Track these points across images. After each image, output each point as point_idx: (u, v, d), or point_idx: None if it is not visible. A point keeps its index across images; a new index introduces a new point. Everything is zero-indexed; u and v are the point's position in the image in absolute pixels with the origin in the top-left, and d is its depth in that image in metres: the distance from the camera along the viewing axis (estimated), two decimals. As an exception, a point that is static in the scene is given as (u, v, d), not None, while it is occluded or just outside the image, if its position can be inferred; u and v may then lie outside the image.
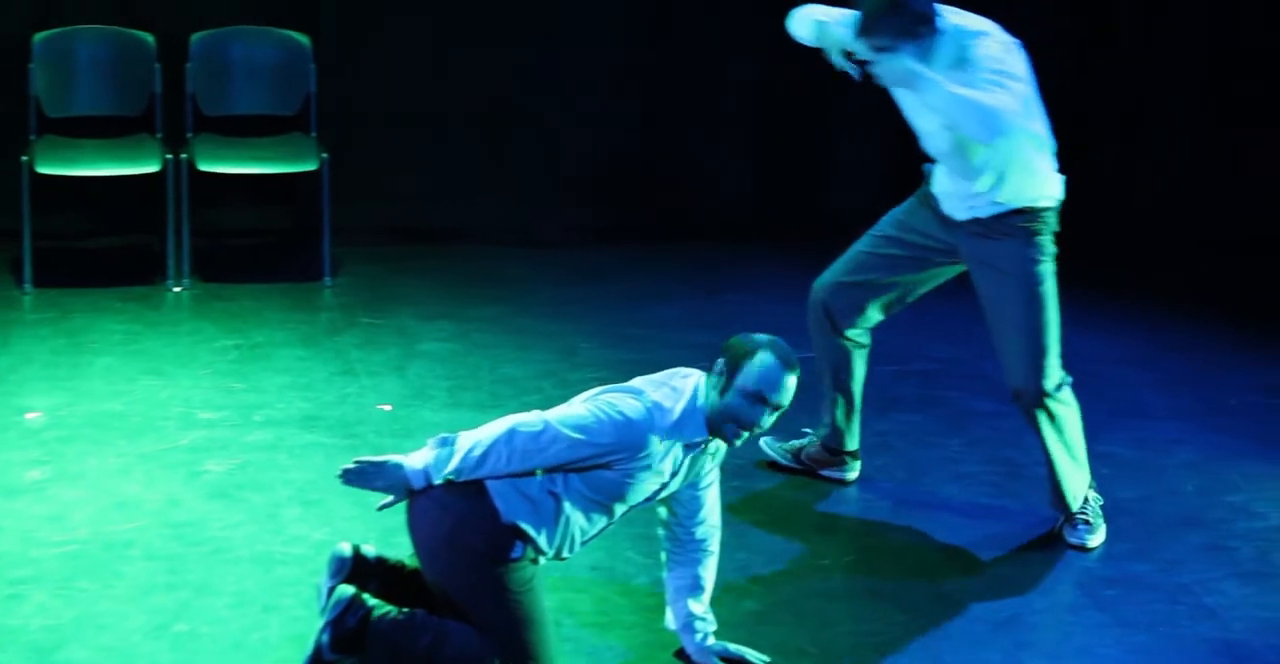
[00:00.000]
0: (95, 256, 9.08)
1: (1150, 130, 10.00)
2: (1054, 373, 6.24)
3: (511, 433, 5.16)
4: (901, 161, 9.56)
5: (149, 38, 8.92)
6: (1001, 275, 6.24)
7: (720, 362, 5.25)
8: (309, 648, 5.25)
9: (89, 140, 8.80)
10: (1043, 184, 6.19)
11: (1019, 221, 6.19)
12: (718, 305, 8.66)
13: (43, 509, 6.35)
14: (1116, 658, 5.63)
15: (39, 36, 8.85)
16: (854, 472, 6.77)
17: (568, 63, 9.41)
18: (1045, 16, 9.69)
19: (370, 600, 5.28)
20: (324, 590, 5.34)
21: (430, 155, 9.36)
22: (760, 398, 5.17)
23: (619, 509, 5.28)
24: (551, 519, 5.23)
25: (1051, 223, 6.24)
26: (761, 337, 5.27)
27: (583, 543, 5.34)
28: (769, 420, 5.23)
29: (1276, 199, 9.85)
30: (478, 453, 5.17)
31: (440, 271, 8.95)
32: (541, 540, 5.23)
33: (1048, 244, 6.25)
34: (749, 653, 5.43)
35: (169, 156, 8.57)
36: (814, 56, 9.46)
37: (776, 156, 9.72)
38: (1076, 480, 6.36)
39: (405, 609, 5.29)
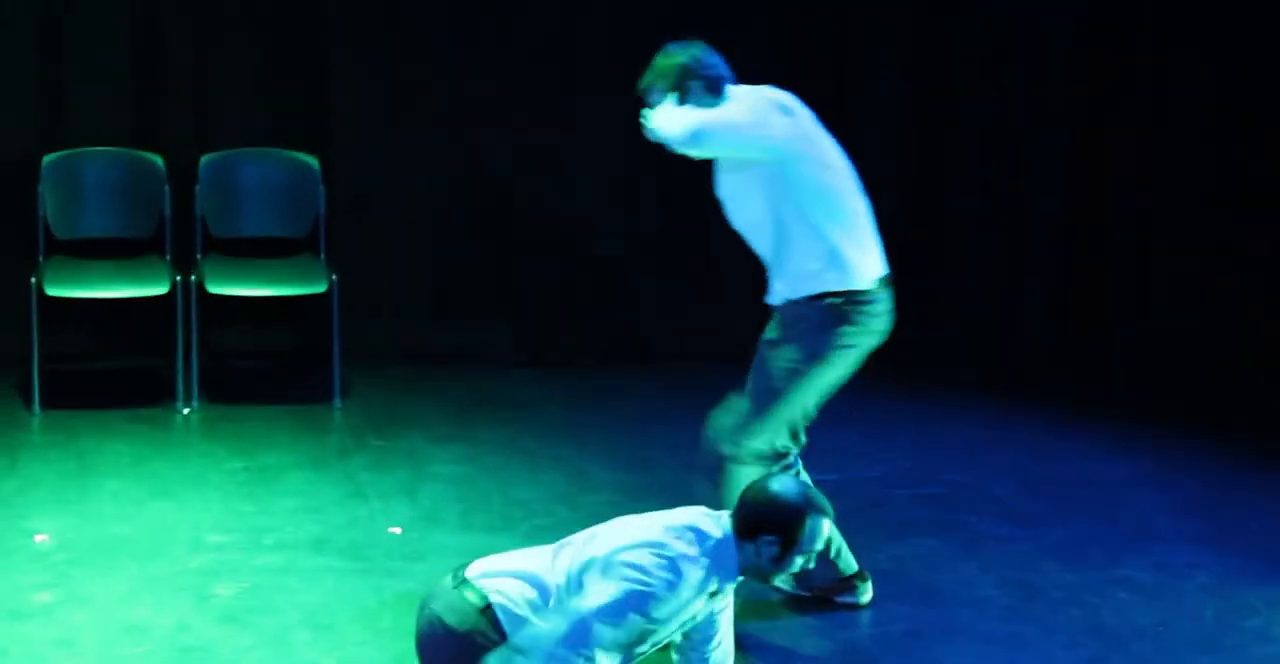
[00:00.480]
0: (104, 378, 9.11)
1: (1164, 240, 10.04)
2: (759, 442, 6.38)
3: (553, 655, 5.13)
4: (907, 292, 9.75)
5: (158, 160, 8.99)
6: (781, 342, 6.42)
7: (768, 537, 5.20)
8: None
9: (98, 261, 8.84)
10: (832, 269, 6.33)
11: (816, 304, 6.35)
12: None
13: (51, 633, 6.32)
14: None
15: (48, 158, 8.92)
16: (867, 594, 6.69)
17: (577, 188, 9.45)
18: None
19: None
20: None
21: (439, 277, 9.39)
22: (813, 551, 5.27)
23: (640, 649, 5.28)
24: None
25: (860, 306, 6.33)
26: (794, 493, 5.26)
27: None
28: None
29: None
30: None
31: (449, 393, 8.97)
32: None
33: (849, 329, 6.33)
34: None
35: (178, 278, 8.60)
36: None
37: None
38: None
39: None
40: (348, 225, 9.14)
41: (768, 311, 9.63)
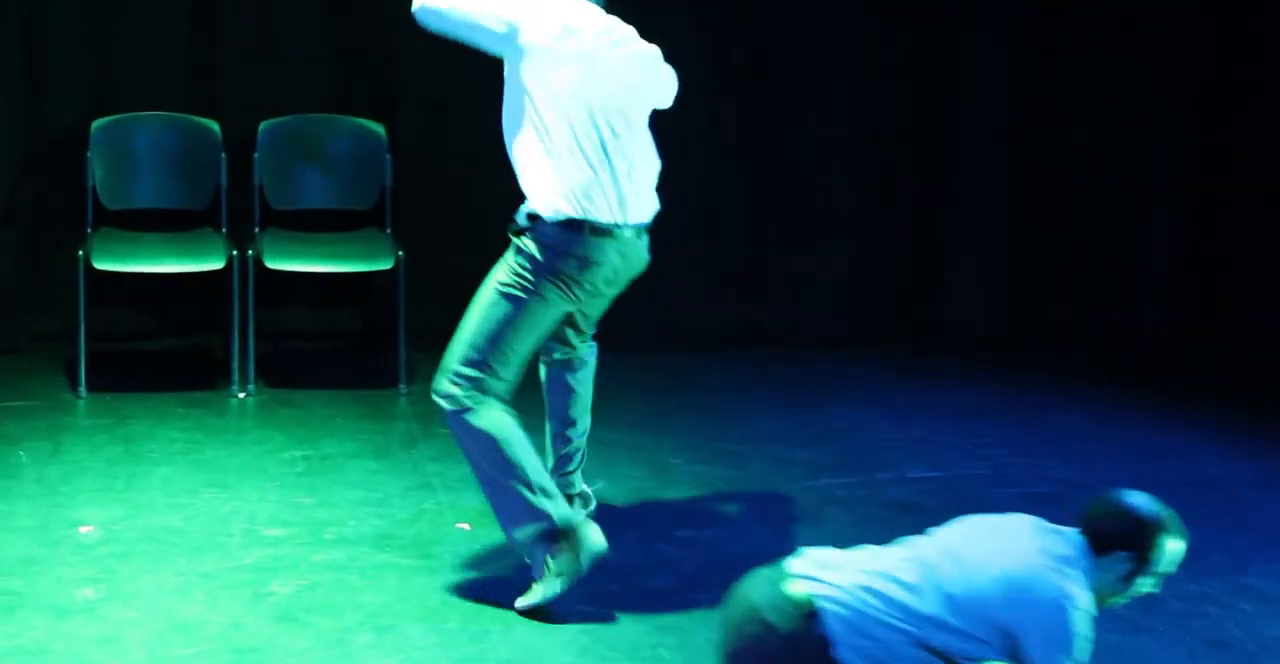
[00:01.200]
0: (155, 359, 9.16)
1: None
2: (455, 377, 6.64)
3: None
4: (1009, 276, 9.69)
5: (214, 126, 9.00)
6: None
7: (1123, 553, 5.17)
8: None
9: (149, 234, 8.87)
10: (535, 191, 6.76)
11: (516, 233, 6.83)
12: (817, 418, 8.66)
13: (95, 631, 6.32)
14: None
15: (97, 124, 8.94)
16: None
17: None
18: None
19: None
20: None
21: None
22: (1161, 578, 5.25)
23: None
24: (896, 657, 5.22)
25: (548, 240, 6.64)
26: (1151, 512, 5.20)
27: None
28: None
29: None
30: None
31: (522, 379, 8.91)
32: None
33: (523, 260, 6.72)
34: None
35: (234, 253, 8.59)
36: (920, 170, 9.64)
37: (879, 265, 9.75)
38: (503, 507, 6.57)
39: None
40: (416, 198, 9.16)
41: (878, 289, 9.70)
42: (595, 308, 6.94)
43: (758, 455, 8.12)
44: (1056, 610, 5.09)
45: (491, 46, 6.73)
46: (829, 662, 5.19)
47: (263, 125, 9.03)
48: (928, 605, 5.19)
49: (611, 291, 6.84)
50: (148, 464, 7.79)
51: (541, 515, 6.52)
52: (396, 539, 7.14)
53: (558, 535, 6.56)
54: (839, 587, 5.23)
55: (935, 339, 9.71)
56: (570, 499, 6.91)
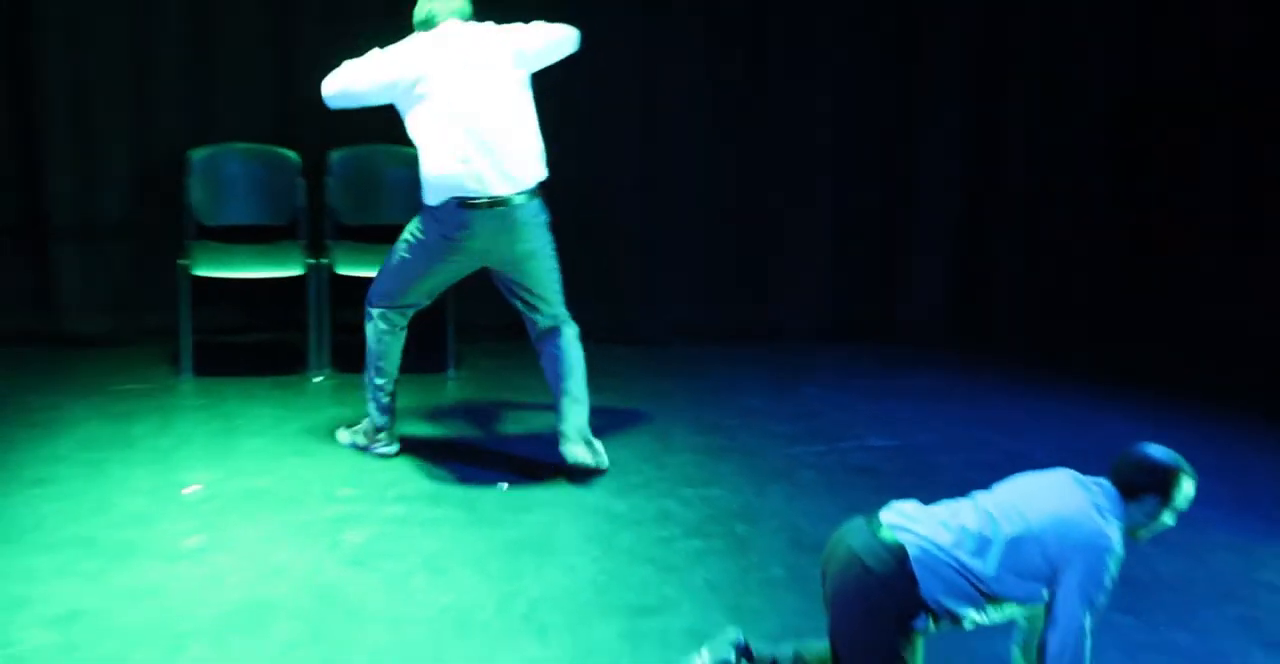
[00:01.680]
0: (245, 350, 9.16)
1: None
2: (371, 299, 7.54)
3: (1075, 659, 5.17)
4: (956, 280, 9.69)
5: (294, 155, 9.07)
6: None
7: (1148, 497, 5.22)
8: None
9: (240, 246, 8.91)
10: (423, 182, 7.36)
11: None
12: (796, 397, 8.67)
13: (200, 573, 6.43)
14: (1157, 719, 5.67)
15: (196, 153, 9.00)
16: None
17: (672, 178, 9.44)
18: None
19: None
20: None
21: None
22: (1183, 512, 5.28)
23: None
24: (966, 600, 5.20)
25: (432, 212, 7.35)
26: (1166, 458, 5.27)
27: (981, 623, 5.31)
28: None
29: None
30: None
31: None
32: (949, 610, 5.20)
33: (418, 227, 7.41)
34: None
35: (310, 261, 8.68)
36: (888, 180, 9.56)
37: (848, 271, 9.71)
38: (366, 385, 7.62)
39: None
40: None
41: (839, 296, 9.58)
42: (509, 272, 7.45)
43: (746, 428, 8.14)
44: (1097, 549, 5.11)
45: (382, 102, 7.37)
46: (916, 598, 5.15)
47: (334, 154, 9.06)
48: (991, 554, 5.18)
49: (503, 253, 7.37)
50: (241, 436, 7.84)
51: (373, 406, 7.56)
52: (447, 497, 7.22)
53: (377, 427, 7.60)
54: (921, 534, 5.19)
55: (892, 333, 9.66)
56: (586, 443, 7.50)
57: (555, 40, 7.46)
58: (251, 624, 6.07)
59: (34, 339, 8.96)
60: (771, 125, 9.55)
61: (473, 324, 9.10)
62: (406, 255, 7.42)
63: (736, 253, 9.63)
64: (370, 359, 7.58)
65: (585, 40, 7.56)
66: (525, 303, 7.51)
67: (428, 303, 7.59)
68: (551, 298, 7.50)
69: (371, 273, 8.50)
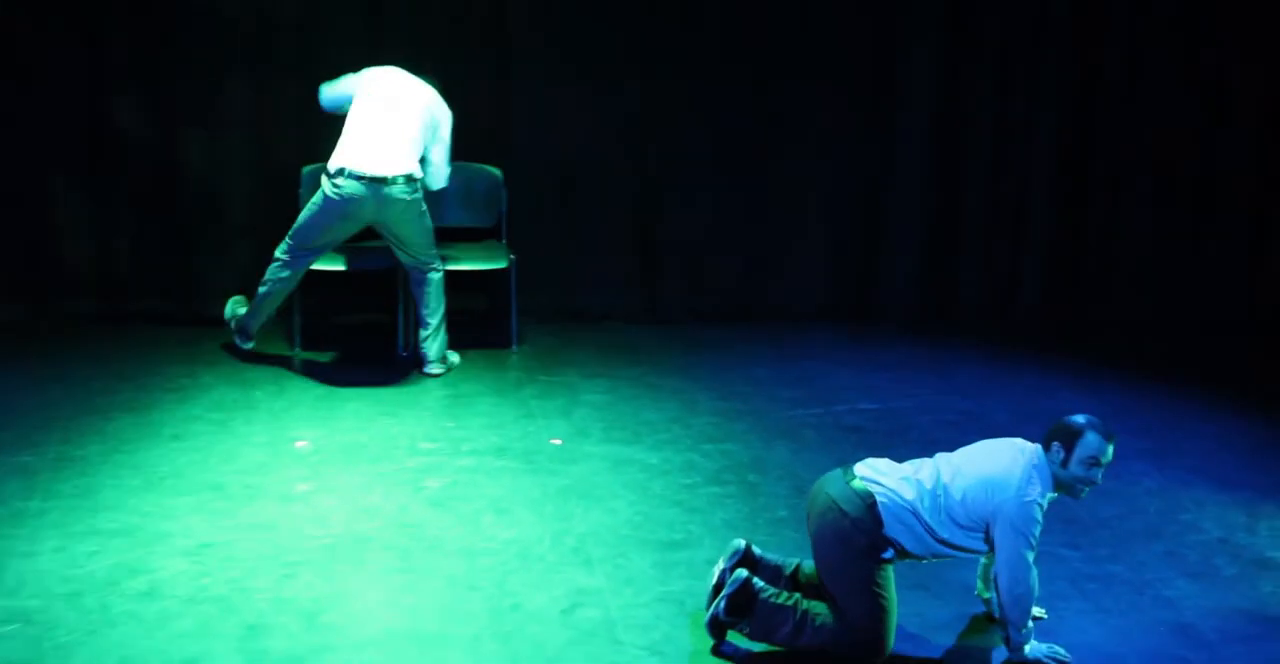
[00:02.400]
0: (347, 329, 9.00)
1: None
2: (282, 245, 7.99)
3: (1021, 591, 5.23)
4: (929, 266, 9.59)
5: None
6: None
7: (1056, 444, 5.23)
8: (709, 612, 5.35)
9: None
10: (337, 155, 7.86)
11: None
12: (797, 369, 8.59)
13: (308, 512, 6.45)
14: (1097, 636, 5.62)
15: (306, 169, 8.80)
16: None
17: (686, 179, 9.36)
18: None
19: (758, 584, 5.35)
20: (721, 571, 5.42)
21: (589, 257, 9.36)
22: (1095, 462, 5.22)
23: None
24: (921, 543, 5.27)
25: (332, 179, 7.82)
26: (1080, 419, 5.27)
27: (940, 558, 5.37)
28: (1100, 475, 5.27)
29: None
30: (1022, 611, 5.27)
31: (597, 342, 8.98)
32: (909, 550, 5.27)
33: (326, 191, 7.84)
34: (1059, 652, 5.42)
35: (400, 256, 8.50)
36: (872, 175, 9.42)
37: (839, 261, 9.57)
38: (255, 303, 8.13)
39: (784, 595, 5.34)
40: (523, 218, 9.06)
41: (839, 278, 9.48)
42: (389, 230, 7.98)
43: (757, 394, 8.09)
44: (1020, 502, 5.18)
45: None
46: (882, 536, 5.24)
47: None
48: (940, 508, 5.24)
49: (381, 218, 7.92)
50: (342, 400, 7.80)
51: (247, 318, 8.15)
52: (510, 450, 7.19)
53: (245, 332, 8.21)
54: (887, 486, 5.27)
55: (878, 313, 9.54)
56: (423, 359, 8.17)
57: (440, 160, 8.14)
58: (350, 554, 6.09)
59: (172, 320, 8.88)
60: (782, 143, 9.41)
61: (533, 307, 9.03)
62: (313, 211, 7.93)
63: (745, 247, 9.48)
64: (261, 288, 8.09)
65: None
66: (403, 253, 8.11)
67: (326, 251, 8.10)
68: (413, 250, 8.06)
69: (453, 267, 8.48)
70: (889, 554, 5.25)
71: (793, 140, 9.35)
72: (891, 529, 5.24)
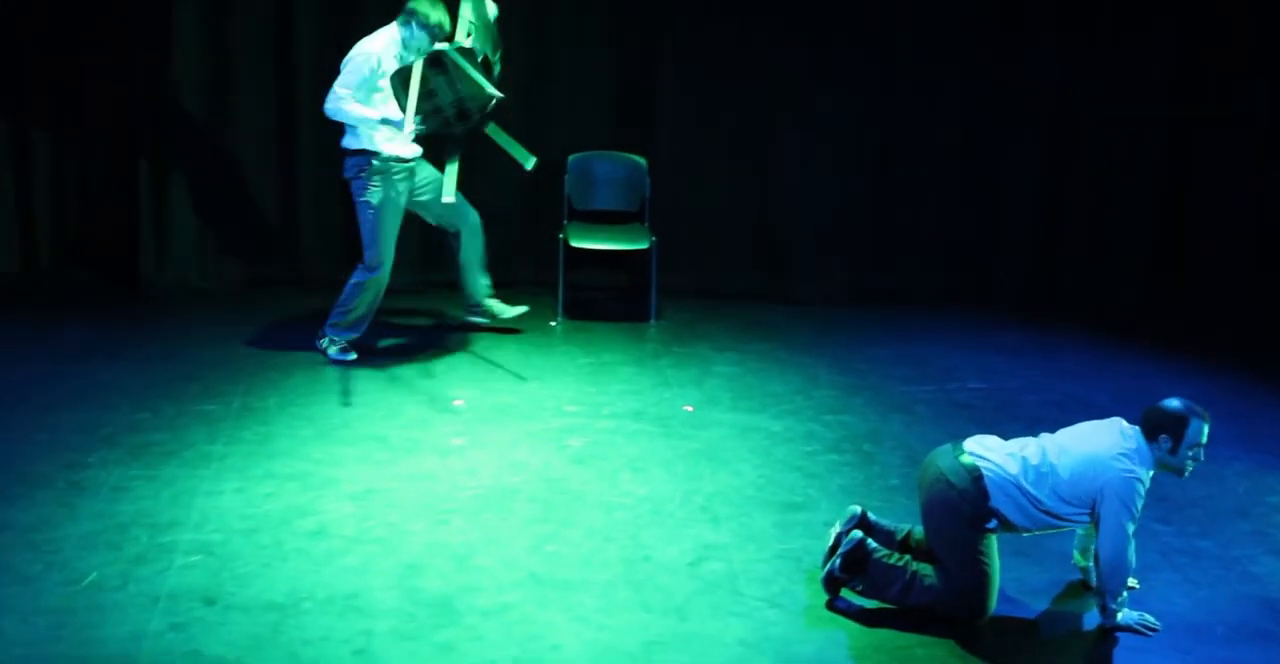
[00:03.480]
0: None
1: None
2: (367, 258, 7.51)
3: (1120, 562, 5.17)
4: (1043, 256, 9.47)
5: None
6: None
7: (1163, 436, 5.16)
8: (825, 569, 5.34)
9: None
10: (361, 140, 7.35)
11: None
12: (913, 349, 8.50)
13: (462, 465, 6.49)
14: (1185, 607, 5.53)
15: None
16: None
17: (812, 176, 9.33)
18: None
19: (872, 545, 5.35)
20: (837, 533, 5.40)
21: (723, 241, 9.37)
22: (1198, 444, 5.18)
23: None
24: (1025, 514, 5.23)
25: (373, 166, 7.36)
26: (1179, 406, 5.20)
27: (1044, 530, 5.33)
28: (1203, 454, 5.24)
29: None
30: (1119, 580, 5.22)
31: (729, 318, 8.97)
32: (1013, 521, 5.22)
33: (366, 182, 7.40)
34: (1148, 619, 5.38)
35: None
36: (987, 168, 9.30)
37: (959, 243, 9.45)
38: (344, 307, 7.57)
39: (896, 557, 5.32)
40: (664, 204, 9.07)
41: (957, 265, 9.36)
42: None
43: (873, 372, 8.03)
44: (1125, 480, 5.12)
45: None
46: (987, 507, 5.19)
47: (570, 158, 8.92)
48: (1044, 483, 5.20)
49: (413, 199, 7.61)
50: (495, 364, 7.82)
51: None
52: (646, 415, 7.19)
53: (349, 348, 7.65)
54: (994, 461, 5.24)
55: (992, 299, 9.41)
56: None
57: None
58: (498, 504, 6.12)
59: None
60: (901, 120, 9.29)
61: (672, 285, 9.03)
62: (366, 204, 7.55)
63: (869, 235, 9.41)
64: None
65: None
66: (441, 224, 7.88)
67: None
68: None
69: (599, 246, 8.52)
70: (992, 524, 5.21)
71: (917, 135, 9.25)
72: (996, 501, 5.20)
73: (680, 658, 5.03)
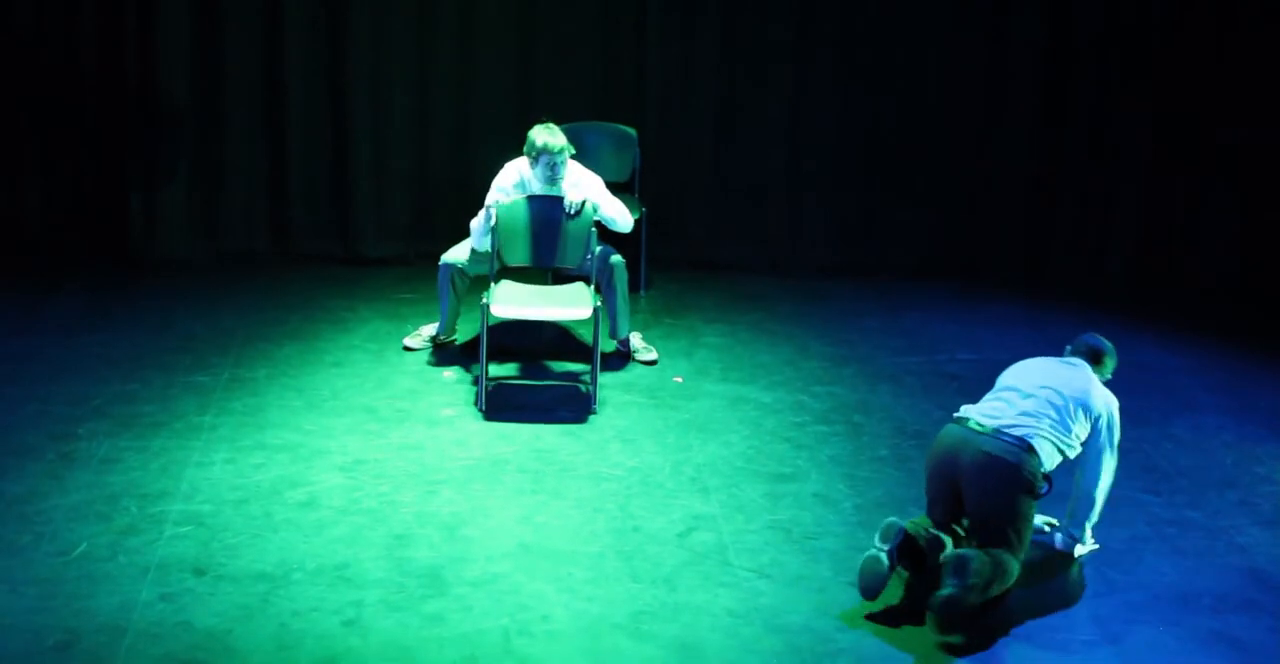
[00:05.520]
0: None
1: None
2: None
3: (1108, 486, 5.62)
4: (1030, 231, 9.43)
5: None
6: None
7: (1113, 364, 5.70)
8: (940, 596, 5.12)
9: None
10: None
11: None
12: (902, 320, 8.49)
13: (452, 436, 6.48)
14: (1173, 576, 5.56)
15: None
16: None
17: (810, 153, 9.30)
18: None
19: (962, 550, 5.21)
20: (889, 552, 5.22)
21: (713, 211, 9.32)
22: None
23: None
24: (1057, 461, 5.43)
25: None
26: (1105, 341, 5.74)
27: None
28: None
29: None
30: (1098, 509, 5.64)
31: (718, 289, 8.94)
32: (1049, 477, 5.37)
33: None
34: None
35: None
36: (977, 141, 9.26)
37: (947, 215, 9.38)
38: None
39: (980, 554, 5.18)
40: (654, 174, 8.99)
41: (945, 237, 9.29)
42: None
43: (865, 342, 8.01)
44: (1110, 412, 5.52)
45: None
46: (1039, 472, 5.29)
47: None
48: (1068, 430, 5.41)
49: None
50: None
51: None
52: (636, 386, 7.18)
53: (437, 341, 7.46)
54: (1031, 427, 5.34)
55: (974, 276, 9.31)
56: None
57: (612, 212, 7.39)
58: (488, 476, 6.13)
59: (333, 260, 8.93)
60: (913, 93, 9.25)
61: (661, 255, 8.99)
62: None
63: (858, 208, 9.35)
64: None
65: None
66: None
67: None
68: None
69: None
70: (1045, 489, 5.34)
71: (907, 105, 9.22)
72: (1048, 463, 5.36)
73: (669, 628, 5.04)
